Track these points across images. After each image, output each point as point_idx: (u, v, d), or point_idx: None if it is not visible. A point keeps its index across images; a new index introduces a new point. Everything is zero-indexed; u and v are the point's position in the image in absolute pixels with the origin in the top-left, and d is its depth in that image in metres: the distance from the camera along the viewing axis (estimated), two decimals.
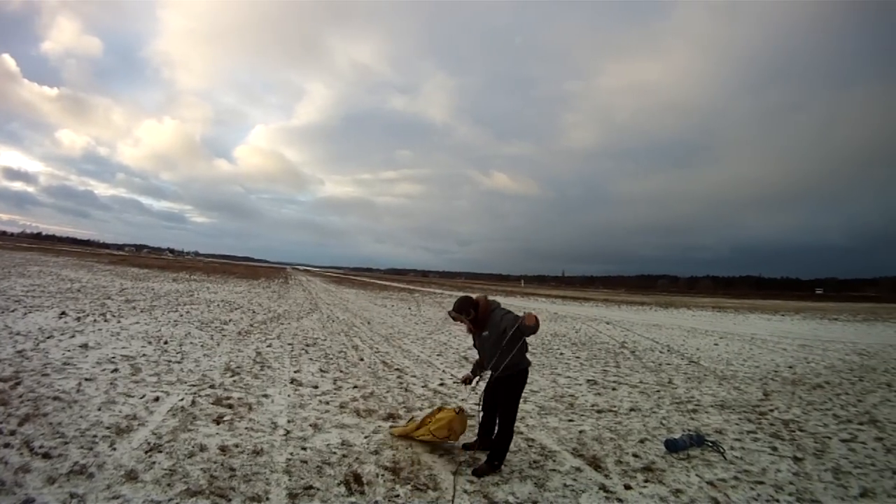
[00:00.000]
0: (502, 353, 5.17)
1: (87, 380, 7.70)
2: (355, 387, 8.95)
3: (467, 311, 5.42)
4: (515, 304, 36.93)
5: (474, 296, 5.61)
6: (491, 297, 5.62)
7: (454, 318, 5.58)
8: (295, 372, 9.72)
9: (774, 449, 6.77)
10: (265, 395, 7.86)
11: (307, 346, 12.84)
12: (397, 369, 10.86)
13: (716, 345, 18.12)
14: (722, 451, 6.48)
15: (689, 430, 7.20)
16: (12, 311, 13.66)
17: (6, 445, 5.02)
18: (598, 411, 8.32)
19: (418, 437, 5.96)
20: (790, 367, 13.90)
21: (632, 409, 8.53)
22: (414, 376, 10.29)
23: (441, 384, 9.76)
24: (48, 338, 10.54)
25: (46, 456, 4.86)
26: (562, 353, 14.59)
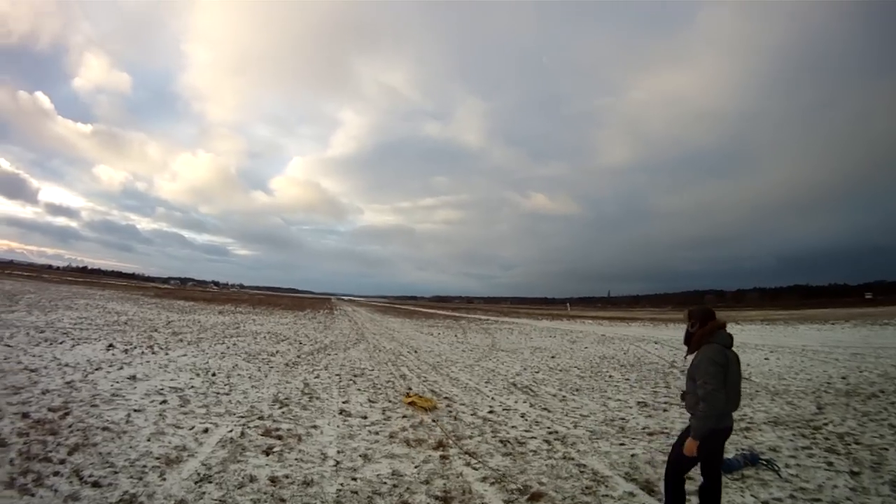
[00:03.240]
0: (687, 391, 4.72)
1: (135, 411, 7.93)
2: (404, 416, 9.02)
3: (692, 322, 4.87)
4: (562, 329, 36.63)
5: (717, 315, 4.90)
6: (729, 331, 4.81)
7: (686, 317, 5.02)
8: (343, 402, 9.83)
9: (830, 464, 6.64)
10: (314, 426, 7.98)
11: (355, 376, 12.95)
12: (446, 398, 10.89)
13: (766, 359, 17.57)
14: (777, 469, 6.37)
15: (743, 450, 7.05)
16: (60, 342, 14.12)
17: (56, 474, 5.20)
18: (650, 434, 8.25)
19: (409, 401, 10.04)
20: (843, 378, 13.52)
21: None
22: (463, 404, 10.30)
23: (490, 411, 9.73)
24: (96, 369, 10.86)
25: (96, 485, 5.02)
26: (611, 376, 14.50)
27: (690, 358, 4.80)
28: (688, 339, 4.87)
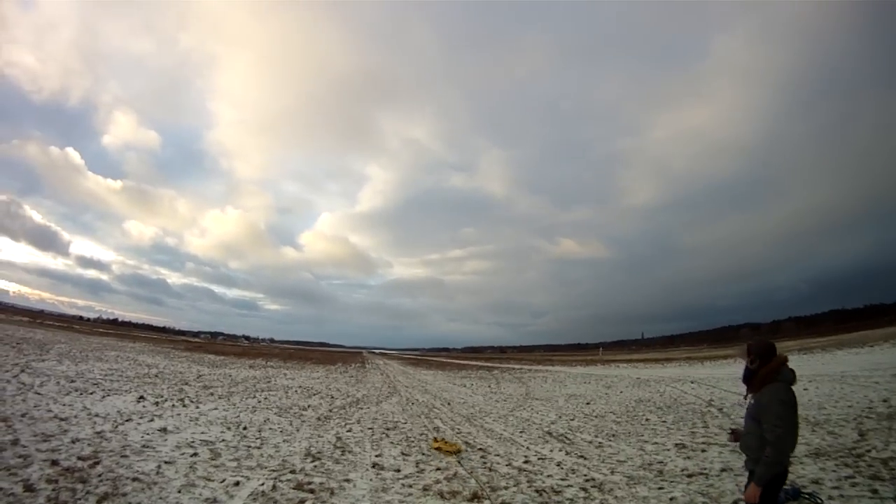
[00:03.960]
0: (748, 434, 4.51)
1: (166, 462, 7.89)
2: (438, 469, 8.91)
3: (751, 359, 4.53)
4: (597, 374, 36.20)
5: (779, 351, 4.57)
6: (791, 366, 4.49)
7: (744, 353, 4.66)
8: (376, 456, 9.70)
9: (875, 492, 6.59)
10: (347, 480, 7.87)
11: (388, 429, 12.79)
12: (480, 449, 10.76)
13: (805, 389, 16.94)
14: (820, 501, 6.24)
15: (785, 485, 6.83)
16: (91, 393, 14.17)
17: None
18: (689, 475, 8.11)
19: (436, 446, 10.75)
20: (885, 401, 13.24)
21: (723, 470, 8.27)
22: (497, 455, 10.17)
23: (525, 461, 9.59)
24: (127, 420, 10.85)
25: None
26: (647, 419, 14.30)
27: (748, 397, 4.62)
28: (749, 377, 4.58)
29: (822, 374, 21.62)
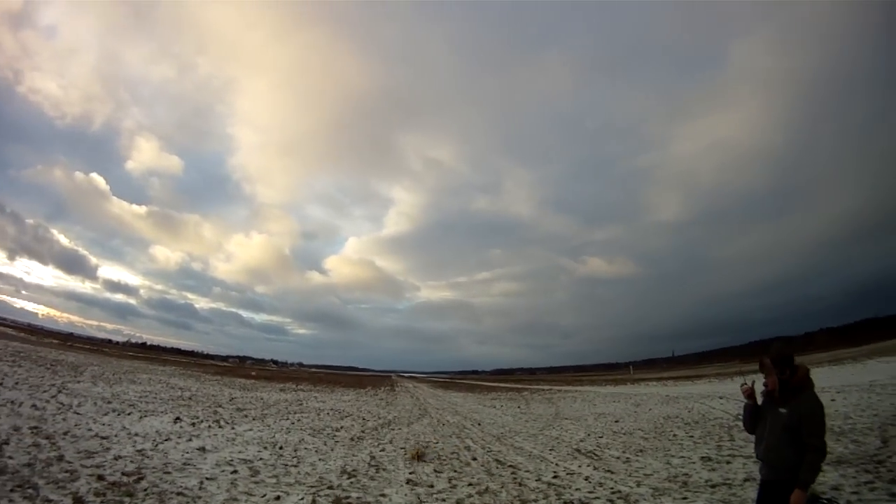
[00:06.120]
0: (780, 445, 4.37)
1: (208, 479, 8.18)
2: (470, 484, 9.08)
3: (782, 367, 4.39)
4: (626, 393, 36.02)
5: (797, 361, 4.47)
6: (821, 378, 4.42)
7: (762, 367, 4.55)
8: (410, 473, 9.90)
9: (893, 495, 6.77)
10: (383, 495, 8.09)
11: (420, 449, 12.88)
12: (510, 466, 10.90)
13: (833, 400, 16.72)
14: None
15: None
16: (128, 413, 14.51)
17: None
18: (713, 486, 8.27)
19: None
20: None
21: (746, 480, 8.40)
22: (527, 471, 10.30)
23: (555, 476, 9.74)
24: (166, 440, 11.15)
25: None
26: (675, 435, 14.31)
27: (782, 411, 4.40)
28: (782, 388, 4.42)
29: (851, 384, 21.40)
